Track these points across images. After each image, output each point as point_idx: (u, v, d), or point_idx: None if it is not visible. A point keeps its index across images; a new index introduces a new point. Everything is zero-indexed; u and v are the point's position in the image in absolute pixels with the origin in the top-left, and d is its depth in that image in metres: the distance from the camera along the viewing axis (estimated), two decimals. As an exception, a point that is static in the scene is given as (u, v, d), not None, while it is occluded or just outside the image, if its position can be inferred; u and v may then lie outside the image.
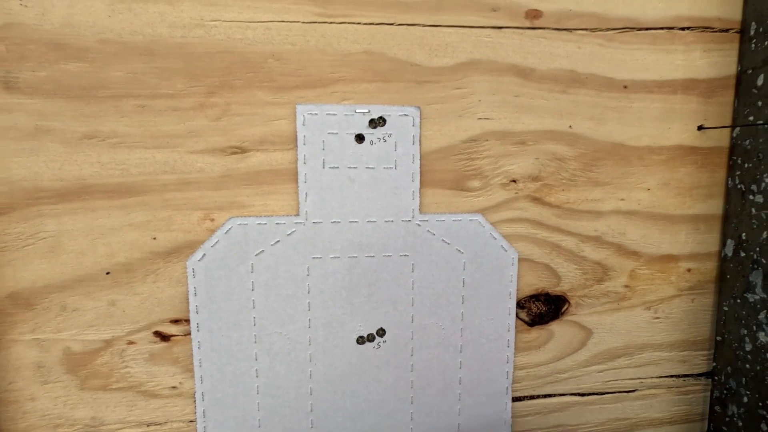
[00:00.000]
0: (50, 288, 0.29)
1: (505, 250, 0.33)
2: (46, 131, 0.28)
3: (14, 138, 0.28)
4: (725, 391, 0.36)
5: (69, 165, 0.28)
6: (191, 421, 0.32)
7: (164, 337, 0.31)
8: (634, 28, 0.32)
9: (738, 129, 0.33)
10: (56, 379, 0.30)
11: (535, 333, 0.35)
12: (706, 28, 0.33)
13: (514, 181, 0.33)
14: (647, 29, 0.32)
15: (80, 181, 0.29)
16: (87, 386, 0.30)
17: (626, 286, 0.36)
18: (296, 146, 0.30)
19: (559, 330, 0.35)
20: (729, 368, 0.35)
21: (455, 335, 0.33)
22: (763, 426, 0.33)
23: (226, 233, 0.30)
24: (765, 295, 0.32)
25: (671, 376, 0.38)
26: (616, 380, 0.37)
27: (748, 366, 0.34)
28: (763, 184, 0.32)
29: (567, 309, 0.35)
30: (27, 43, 0.27)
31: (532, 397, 0.36)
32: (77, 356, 0.30)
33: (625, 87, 0.33)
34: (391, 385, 0.33)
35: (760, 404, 0.33)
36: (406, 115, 0.31)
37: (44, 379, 0.30)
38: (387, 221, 0.31)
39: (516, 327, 0.34)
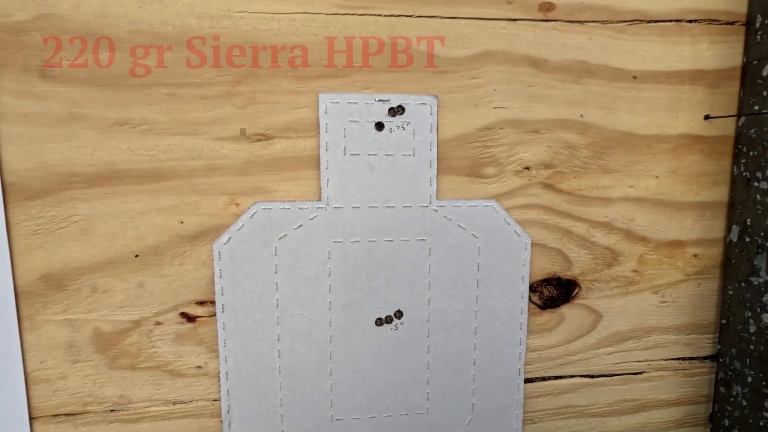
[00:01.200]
0: (81, 270, 0.30)
1: (519, 235, 0.34)
2: (79, 118, 0.29)
3: (49, 125, 0.29)
4: (730, 373, 0.37)
5: (101, 151, 0.29)
6: (215, 400, 0.33)
7: (190, 318, 0.32)
8: (643, 21, 0.33)
9: (743, 118, 0.35)
10: (86, 358, 0.31)
11: (547, 316, 0.36)
12: (713, 20, 0.34)
13: (528, 168, 0.34)
14: (656, 21, 0.34)
15: (111, 166, 0.30)
16: (116, 365, 0.32)
17: (635, 271, 0.37)
18: (318, 134, 0.31)
19: (569, 313, 0.36)
20: (734, 350, 0.36)
21: (470, 318, 0.35)
22: (767, 404, 0.34)
23: (251, 217, 0.31)
24: (769, 278, 0.33)
25: (678, 359, 0.39)
26: (625, 362, 0.38)
27: (752, 347, 0.35)
28: (767, 172, 0.33)
29: (578, 293, 0.36)
30: (62, 32, 0.28)
31: (543, 379, 0.37)
32: (107, 336, 0.31)
33: (635, 77, 0.34)
34: (408, 365, 0.34)
35: (764, 383, 0.34)
36: (424, 103, 0.32)
37: (75, 359, 0.31)
38: (405, 207, 0.33)
39: (528, 310, 0.35)
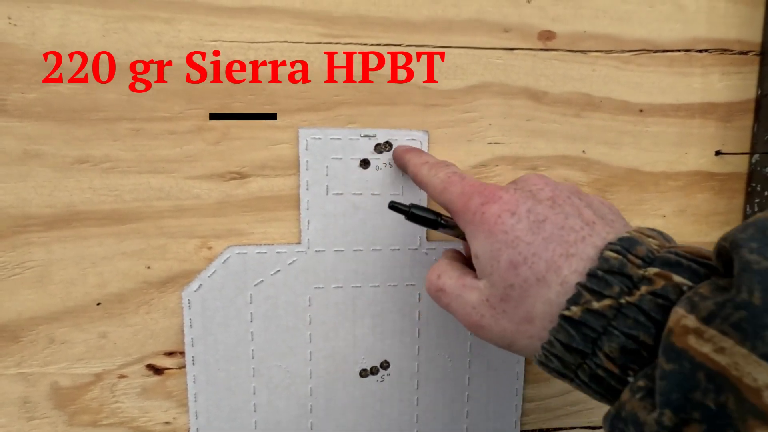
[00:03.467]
0: (37, 319, 0.28)
1: (515, 280, 0.32)
2: (35, 155, 0.26)
3: (1, 163, 0.26)
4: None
5: (59, 191, 0.27)
6: (185, 458, 0.30)
7: (158, 371, 0.29)
8: (650, 51, 0.31)
9: (757, 155, 0.32)
10: (43, 414, 0.29)
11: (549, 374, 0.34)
12: (725, 50, 0.32)
13: (525, 207, 0.31)
14: (664, 51, 0.31)
15: (71, 207, 0.27)
16: (75, 422, 0.29)
17: (640, 316, 0.34)
18: (298, 172, 0.29)
19: (570, 361, 0.34)
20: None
21: (462, 367, 0.32)
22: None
23: (224, 262, 0.29)
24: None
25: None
26: (629, 413, 0.35)
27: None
28: (784, 214, 0.31)
29: (579, 340, 0.34)
30: (16, 63, 0.25)
31: (542, 431, 0.34)
32: (65, 391, 0.29)
33: (641, 111, 0.32)
34: (396, 419, 0.32)
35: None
36: (413, 139, 0.29)
37: (30, 415, 0.28)
38: (393, 250, 0.30)
39: (525, 359, 0.33)
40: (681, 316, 0.15)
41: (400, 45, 0.29)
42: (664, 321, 0.16)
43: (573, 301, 0.18)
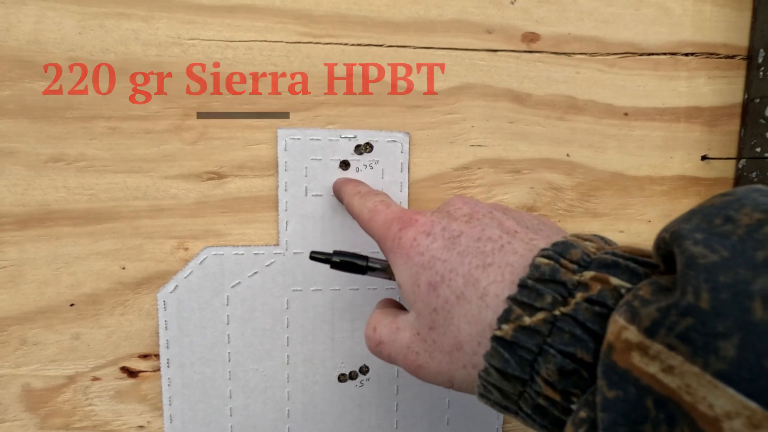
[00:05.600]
0: (9, 320, 0.27)
1: (498, 284, 0.31)
2: (8, 153, 0.26)
3: (-26, 160, 0.26)
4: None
5: (32, 189, 0.26)
6: (160, 463, 0.30)
7: (132, 373, 0.29)
8: (635, 54, 0.31)
9: (744, 160, 0.32)
10: (14, 417, 0.28)
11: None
12: (711, 54, 0.32)
13: (508, 211, 0.31)
14: (649, 54, 0.31)
15: (44, 206, 0.27)
16: (47, 425, 0.28)
17: (625, 323, 0.34)
18: (277, 172, 0.28)
19: (553, 368, 0.33)
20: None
21: (444, 373, 0.31)
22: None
23: (200, 264, 0.28)
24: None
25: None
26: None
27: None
28: (770, 220, 0.30)
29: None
30: (-11, 60, 0.25)
31: (524, 438, 0.34)
32: (37, 393, 0.28)
33: (626, 114, 0.31)
34: (375, 425, 0.31)
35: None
36: (394, 141, 0.29)
37: (1, 418, 0.28)
38: (372, 252, 0.30)
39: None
40: (621, 328, 0.13)
41: (381, 45, 0.28)
42: (602, 333, 0.14)
43: (503, 318, 0.16)
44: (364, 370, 0.31)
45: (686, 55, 0.31)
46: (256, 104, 0.28)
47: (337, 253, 0.23)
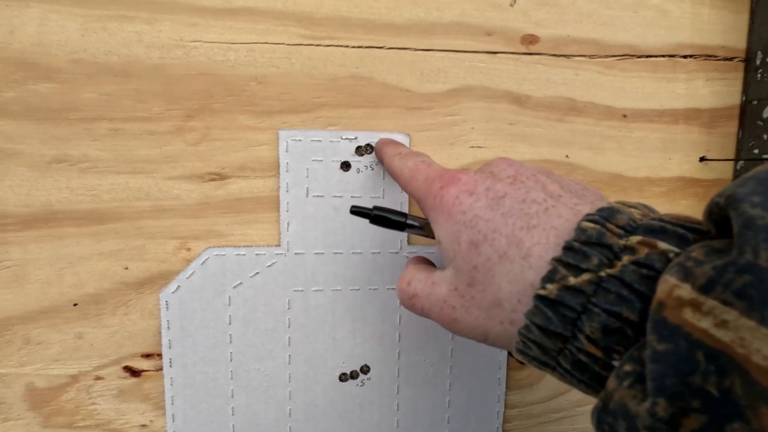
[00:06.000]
0: (13, 320, 0.27)
1: (498, 284, 0.31)
2: (12, 154, 0.26)
3: (-22, 161, 0.26)
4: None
5: (36, 190, 0.27)
6: (162, 462, 0.30)
7: (134, 373, 0.29)
8: (634, 56, 0.31)
9: (742, 162, 0.32)
10: (18, 416, 0.28)
11: (528, 371, 0.33)
12: (710, 56, 0.32)
13: (508, 212, 0.31)
14: (648, 57, 0.31)
15: (48, 207, 0.27)
16: (50, 424, 0.29)
17: (624, 323, 0.34)
18: (278, 173, 0.29)
19: (553, 367, 0.34)
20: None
21: (444, 372, 0.32)
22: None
23: (202, 264, 0.28)
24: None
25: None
26: (613, 420, 0.35)
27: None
28: None
29: (562, 346, 0.33)
30: (-6, 62, 0.25)
31: (524, 438, 0.34)
32: (41, 392, 0.28)
33: (625, 116, 0.31)
34: (376, 424, 0.32)
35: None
36: (394, 142, 0.29)
37: (4, 417, 0.28)
38: (373, 253, 0.30)
39: (508, 364, 0.33)
40: (673, 286, 0.13)
41: (382, 47, 0.29)
42: (650, 294, 0.15)
43: (548, 278, 0.16)
44: (365, 369, 0.31)
45: (684, 57, 0.32)
46: (257, 106, 0.28)
47: (377, 208, 0.24)
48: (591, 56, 0.31)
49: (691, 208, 0.33)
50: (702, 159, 0.33)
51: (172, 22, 0.27)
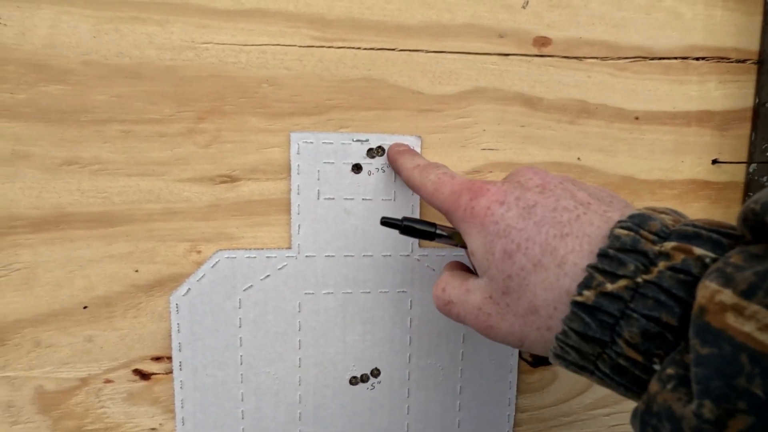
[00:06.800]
0: (23, 322, 0.27)
1: (509, 287, 0.31)
2: (23, 156, 0.26)
3: (-11, 163, 0.26)
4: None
5: (47, 192, 0.27)
6: (171, 465, 0.30)
7: (144, 376, 0.29)
8: (646, 58, 0.31)
9: (755, 165, 0.32)
10: (27, 419, 0.28)
11: (539, 374, 0.33)
12: (722, 58, 0.32)
13: (519, 214, 0.31)
14: (660, 59, 0.31)
15: (58, 209, 0.27)
16: (60, 427, 0.28)
17: (635, 326, 0.34)
18: (290, 176, 0.28)
19: (563, 371, 0.33)
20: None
21: (454, 376, 0.32)
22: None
23: (213, 267, 0.28)
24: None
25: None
26: (623, 424, 0.35)
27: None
28: (781, 224, 0.30)
29: (573, 349, 0.33)
30: (5, 63, 0.25)
31: (534, 442, 0.34)
32: (50, 395, 0.28)
33: (637, 118, 0.31)
34: (386, 428, 0.31)
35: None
36: (406, 144, 0.29)
37: (14, 420, 0.28)
38: (384, 256, 0.30)
39: (519, 367, 0.32)
40: (714, 292, 0.14)
41: (393, 49, 0.28)
42: (688, 299, 0.15)
43: (584, 285, 0.17)
44: (375, 373, 0.31)
45: (697, 59, 0.31)
46: (269, 108, 0.28)
47: (406, 219, 0.24)
48: (603, 58, 0.30)
49: (704, 210, 0.33)
50: (714, 161, 0.32)
51: (183, 23, 0.27)
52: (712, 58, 0.31)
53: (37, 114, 0.26)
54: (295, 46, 0.28)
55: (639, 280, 0.16)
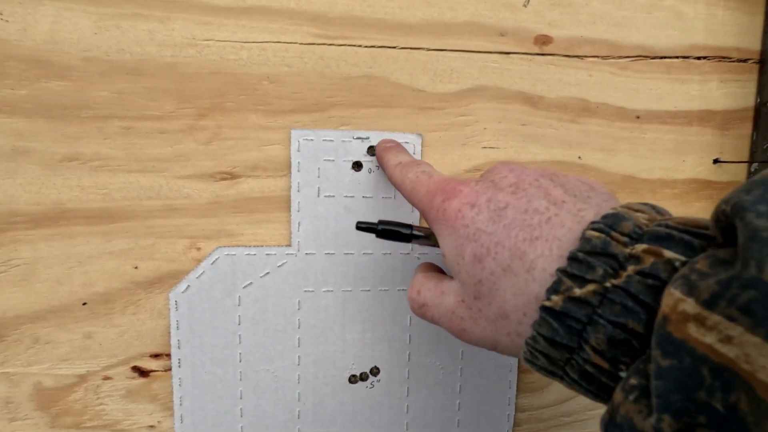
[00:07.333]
0: (22, 318, 0.27)
1: (509, 286, 0.31)
2: (23, 152, 0.26)
3: (-11, 159, 0.26)
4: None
5: (47, 188, 0.27)
6: (170, 463, 0.30)
7: (143, 373, 0.29)
8: (647, 57, 0.31)
9: (756, 164, 0.32)
10: (25, 416, 0.28)
11: (538, 374, 0.33)
12: (724, 57, 0.32)
13: (520, 213, 0.31)
14: (661, 58, 0.31)
15: (58, 205, 0.27)
16: (58, 424, 0.28)
17: (636, 326, 0.34)
18: (290, 173, 0.28)
19: (564, 371, 0.33)
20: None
21: (454, 375, 0.31)
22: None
23: (212, 264, 0.28)
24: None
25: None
26: (624, 425, 0.35)
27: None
28: (782, 224, 0.30)
29: (573, 349, 0.33)
30: (7, 59, 0.25)
31: (534, 442, 0.34)
32: (49, 392, 0.28)
33: (638, 117, 0.31)
34: (385, 427, 0.31)
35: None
36: (407, 142, 0.29)
37: (12, 416, 0.28)
38: (384, 254, 0.30)
39: (518, 367, 0.32)
40: (678, 300, 0.13)
41: (395, 47, 0.28)
42: (655, 305, 0.14)
43: (553, 289, 0.16)
44: (374, 371, 0.31)
45: (698, 58, 0.31)
46: (269, 105, 0.28)
47: (381, 222, 0.24)
48: (604, 57, 0.30)
49: (705, 210, 0.33)
50: (716, 161, 0.32)
51: (184, 20, 0.27)
52: (714, 57, 0.31)
53: (38, 110, 0.26)
54: (296, 43, 0.28)
55: (608, 284, 0.15)
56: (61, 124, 0.26)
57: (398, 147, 0.27)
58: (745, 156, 0.32)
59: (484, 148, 0.30)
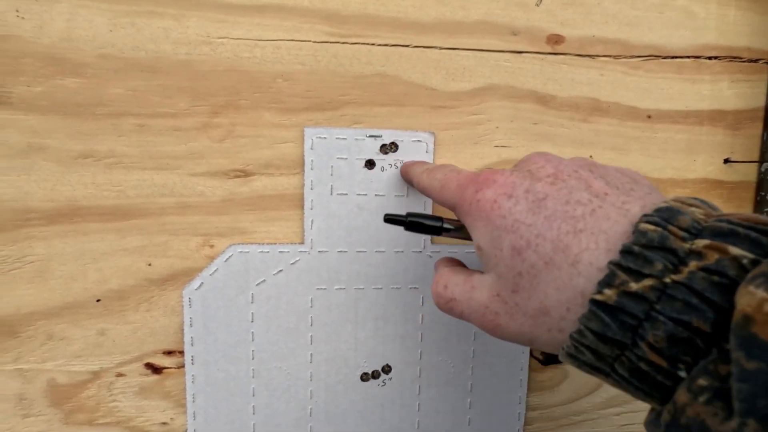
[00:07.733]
0: (36, 315, 0.27)
1: (520, 285, 0.31)
2: (38, 149, 0.26)
3: (4, 155, 0.26)
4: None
5: (62, 185, 0.27)
6: (181, 460, 0.30)
7: (156, 370, 0.29)
8: (659, 57, 0.31)
9: (766, 164, 0.32)
10: (39, 412, 0.28)
11: (550, 372, 0.33)
12: (735, 57, 0.32)
13: (531, 212, 0.31)
14: (673, 58, 0.31)
15: (73, 202, 0.27)
16: (71, 421, 0.28)
17: (646, 325, 0.34)
18: (303, 171, 0.28)
19: (574, 370, 0.33)
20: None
21: (465, 373, 0.32)
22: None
23: (225, 261, 0.28)
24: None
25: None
26: (633, 424, 0.35)
27: None
28: (794, 223, 0.30)
29: (583, 348, 0.33)
30: (23, 56, 0.25)
31: (544, 441, 0.34)
32: (62, 388, 0.28)
33: (649, 117, 0.31)
34: (396, 425, 0.31)
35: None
36: (419, 140, 0.29)
37: (26, 412, 0.28)
38: (397, 252, 0.30)
39: (529, 366, 0.32)
40: (762, 300, 0.12)
41: (407, 46, 0.29)
42: (723, 303, 0.14)
43: (606, 283, 0.15)
44: (386, 369, 0.31)
45: (710, 58, 0.31)
46: (283, 103, 0.28)
47: (410, 214, 0.24)
48: (616, 56, 0.30)
49: (715, 210, 0.33)
50: (726, 161, 0.32)
51: (199, 18, 0.27)
52: (725, 57, 0.31)
53: (53, 107, 0.26)
54: (309, 41, 0.28)
55: (667, 280, 0.15)
56: (76, 122, 0.26)
57: (422, 161, 0.28)
58: (755, 156, 0.33)
59: (496, 146, 0.30)
